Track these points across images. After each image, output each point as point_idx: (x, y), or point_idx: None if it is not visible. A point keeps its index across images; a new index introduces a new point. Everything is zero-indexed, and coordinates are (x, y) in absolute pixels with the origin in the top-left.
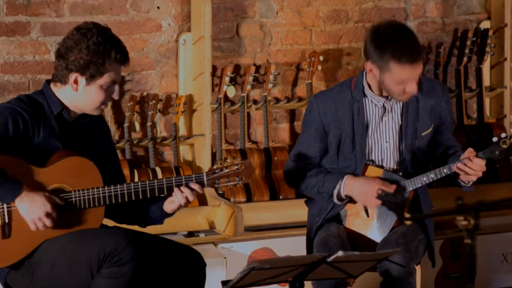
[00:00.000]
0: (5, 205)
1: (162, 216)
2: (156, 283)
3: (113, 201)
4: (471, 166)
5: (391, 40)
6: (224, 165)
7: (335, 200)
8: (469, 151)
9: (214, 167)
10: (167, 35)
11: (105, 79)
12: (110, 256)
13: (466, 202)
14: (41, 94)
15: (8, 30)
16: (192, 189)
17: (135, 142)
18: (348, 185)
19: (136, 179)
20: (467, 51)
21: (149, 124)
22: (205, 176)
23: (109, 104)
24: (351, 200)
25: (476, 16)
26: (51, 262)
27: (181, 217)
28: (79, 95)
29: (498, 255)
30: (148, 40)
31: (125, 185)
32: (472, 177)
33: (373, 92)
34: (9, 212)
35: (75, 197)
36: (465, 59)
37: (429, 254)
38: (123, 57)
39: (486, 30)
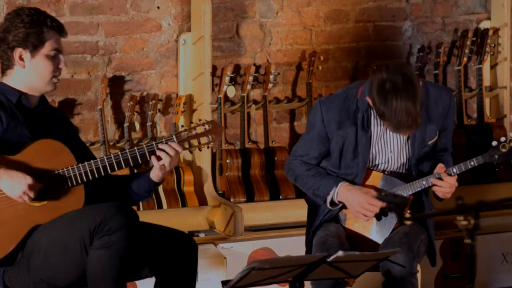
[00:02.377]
0: None
1: (150, 185)
2: (149, 254)
3: (90, 177)
4: (441, 183)
5: (391, 103)
6: (192, 126)
7: (328, 205)
8: (439, 167)
9: (183, 129)
10: (167, 35)
11: (47, 47)
12: (101, 226)
13: (466, 202)
14: None
15: None
16: (166, 151)
17: (135, 142)
18: (342, 193)
19: None
20: (467, 51)
21: (149, 124)
22: (175, 138)
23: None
24: (344, 206)
25: (476, 16)
26: (44, 251)
27: (181, 217)
28: (29, 72)
29: (498, 255)
30: (148, 40)
31: (98, 159)
32: (446, 194)
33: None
34: None
35: (53, 177)
36: (465, 59)
37: (429, 253)
38: (59, 25)
39: (486, 30)
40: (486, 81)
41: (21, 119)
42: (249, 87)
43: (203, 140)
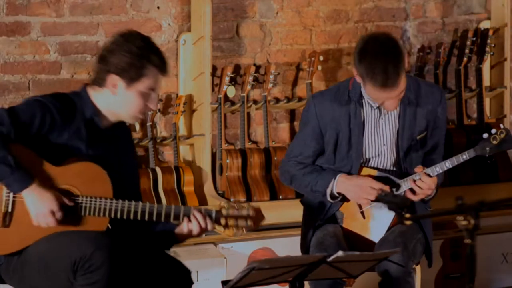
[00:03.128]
0: (11, 194)
1: (172, 240)
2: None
3: (118, 216)
4: (420, 184)
5: (371, 60)
6: (236, 205)
7: (328, 198)
8: (417, 168)
9: (226, 206)
10: (167, 35)
11: (143, 84)
12: (81, 262)
13: (466, 202)
14: (77, 96)
15: (8, 30)
16: (198, 222)
17: (135, 142)
18: (341, 183)
19: None
20: (467, 51)
21: (149, 124)
22: (214, 214)
23: None
24: (344, 199)
25: (476, 16)
26: (38, 262)
27: None
28: (117, 100)
29: (498, 255)
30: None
31: (133, 203)
32: (421, 195)
33: (368, 94)
34: (14, 202)
35: (81, 202)
36: (465, 59)
37: (426, 253)
38: (163, 65)
39: (486, 30)
40: (486, 81)
41: (84, 135)
42: (249, 87)
43: (241, 223)
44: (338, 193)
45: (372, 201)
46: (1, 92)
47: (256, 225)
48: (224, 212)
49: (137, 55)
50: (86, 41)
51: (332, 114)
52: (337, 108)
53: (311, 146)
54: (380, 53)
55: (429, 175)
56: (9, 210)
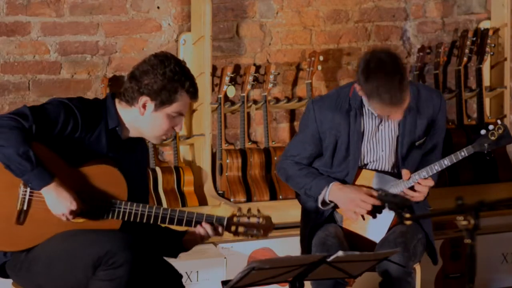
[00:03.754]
0: (28, 192)
1: (179, 249)
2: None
3: (131, 219)
4: (418, 187)
5: (376, 79)
6: (247, 214)
7: (319, 205)
8: (405, 173)
9: (237, 214)
10: (167, 35)
11: (173, 108)
12: (106, 258)
13: (466, 202)
14: (103, 105)
15: (8, 30)
16: (212, 228)
17: None
18: (333, 192)
19: None
20: (467, 51)
21: None
22: (225, 221)
23: None
24: (336, 206)
25: (476, 16)
26: (48, 260)
27: None
28: (144, 120)
29: (498, 255)
30: (148, 40)
31: (147, 207)
32: (419, 197)
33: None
34: (30, 201)
35: (97, 205)
36: (465, 59)
37: (429, 252)
38: (194, 91)
39: (486, 30)
40: (486, 81)
41: (104, 143)
42: (249, 87)
43: (251, 231)
44: (329, 200)
45: (369, 212)
46: (1, 92)
47: (266, 234)
48: (235, 219)
49: (171, 79)
50: (86, 41)
51: (331, 120)
52: (337, 115)
53: (309, 149)
54: (384, 73)
55: (424, 178)
56: (25, 208)
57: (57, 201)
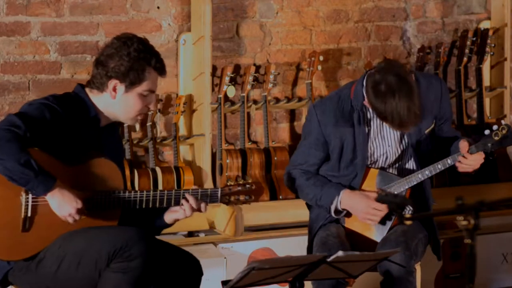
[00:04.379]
0: (30, 199)
1: (161, 226)
2: (159, 280)
3: (131, 206)
4: (465, 162)
5: (390, 104)
6: (239, 182)
7: (333, 214)
8: (463, 147)
9: (228, 183)
10: (167, 35)
11: (143, 87)
12: (121, 251)
13: (466, 202)
14: (75, 97)
15: (8, 30)
16: (192, 204)
17: (135, 142)
18: (344, 200)
19: (136, 179)
20: (467, 51)
21: (149, 124)
22: (219, 192)
23: None
24: (348, 213)
25: (476, 16)
26: (58, 259)
27: None
28: (117, 103)
29: (498, 255)
30: (148, 40)
31: (144, 192)
32: (468, 169)
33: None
34: (34, 207)
35: (98, 197)
36: (465, 59)
37: (434, 248)
38: (161, 66)
39: (486, 30)
40: (486, 81)
41: (89, 134)
42: (249, 87)
43: (242, 197)
44: (343, 209)
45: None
46: (1, 92)
47: (257, 198)
48: (227, 190)
49: (137, 58)
50: (86, 41)
51: (335, 123)
52: (340, 117)
53: (316, 155)
54: (398, 98)
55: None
56: (29, 215)
57: (62, 203)
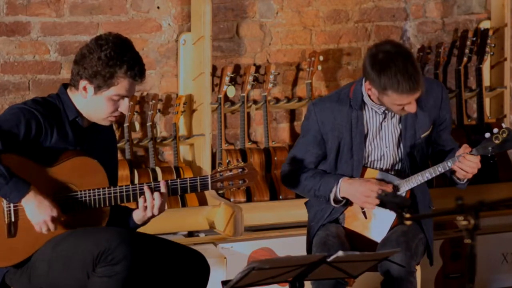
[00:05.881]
0: (12, 204)
1: (135, 226)
2: (155, 282)
3: (119, 202)
4: (465, 164)
5: (389, 68)
6: (229, 167)
7: (332, 203)
8: (464, 147)
9: (219, 169)
10: (167, 35)
11: (112, 92)
12: (104, 255)
13: (466, 202)
14: (57, 98)
15: (8, 30)
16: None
17: (135, 142)
18: (344, 187)
19: (136, 179)
20: (467, 51)
21: (149, 124)
22: (209, 179)
23: None
24: (348, 202)
25: (476, 16)
26: (48, 262)
27: (181, 217)
28: (88, 103)
29: (498, 255)
30: (148, 40)
31: (130, 186)
32: (468, 174)
33: (373, 101)
34: (16, 211)
35: (82, 196)
36: (465, 59)
37: (427, 252)
38: (135, 73)
39: (486, 30)
40: (486, 81)
41: (71, 136)
42: (249, 87)
43: (236, 182)
44: (342, 197)
45: (377, 205)
46: (1, 92)
47: (252, 181)
48: (218, 175)
49: (105, 64)
50: (86, 41)
51: (333, 121)
52: (338, 116)
53: (313, 153)
54: (397, 61)
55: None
56: (13, 220)
57: (37, 210)
